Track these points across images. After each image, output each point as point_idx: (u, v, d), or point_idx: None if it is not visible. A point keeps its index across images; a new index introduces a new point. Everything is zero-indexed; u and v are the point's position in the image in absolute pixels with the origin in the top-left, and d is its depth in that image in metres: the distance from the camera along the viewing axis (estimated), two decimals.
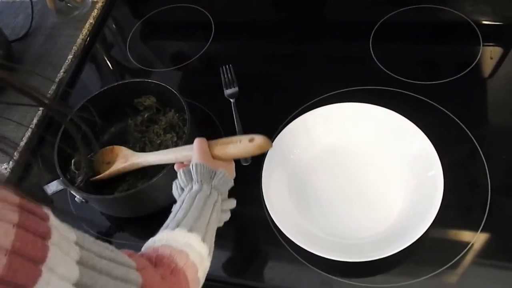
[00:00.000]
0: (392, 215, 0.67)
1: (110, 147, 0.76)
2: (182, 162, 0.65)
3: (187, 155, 0.64)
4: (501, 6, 0.89)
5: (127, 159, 0.73)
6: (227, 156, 0.62)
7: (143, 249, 0.51)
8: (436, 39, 0.88)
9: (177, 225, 0.51)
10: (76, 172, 0.73)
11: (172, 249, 0.48)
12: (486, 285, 0.61)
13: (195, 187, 0.56)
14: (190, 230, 0.51)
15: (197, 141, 0.62)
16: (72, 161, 0.74)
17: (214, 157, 0.62)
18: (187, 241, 0.50)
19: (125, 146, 0.80)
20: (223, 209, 0.58)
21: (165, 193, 0.71)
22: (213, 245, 0.54)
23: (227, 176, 0.59)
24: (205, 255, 0.52)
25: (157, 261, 0.47)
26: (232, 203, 0.61)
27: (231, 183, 0.60)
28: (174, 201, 0.59)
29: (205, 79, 0.93)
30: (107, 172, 0.73)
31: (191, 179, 0.57)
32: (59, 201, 0.77)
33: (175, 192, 0.60)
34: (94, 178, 0.73)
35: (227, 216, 0.60)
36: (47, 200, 0.67)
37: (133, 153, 0.74)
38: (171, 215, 0.54)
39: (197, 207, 0.53)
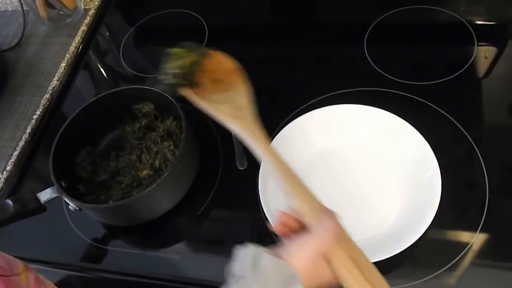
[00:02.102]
0: (390, 217, 0.66)
1: (230, 62, 0.54)
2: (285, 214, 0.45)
3: (303, 208, 0.44)
4: (495, 6, 0.89)
5: (237, 115, 0.51)
6: None
7: None
8: (431, 40, 0.88)
9: None
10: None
11: None
12: (485, 286, 0.60)
13: None
14: None
15: (328, 229, 0.41)
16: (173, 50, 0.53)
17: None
18: None
19: (122, 153, 0.79)
20: None
21: (160, 202, 0.71)
22: None
23: None
24: None
25: None
26: None
27: None
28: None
29: None
30: (206, 105, 0.52)
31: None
32: (54, 209, 0.76)
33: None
34: (187, 87, 0.52)
35: None
36: (40, 209, 0.66)
37: (251, 115, 0.52)
38: None
39: None
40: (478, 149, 0.70)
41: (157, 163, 0.75)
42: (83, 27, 1.05)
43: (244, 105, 0.52)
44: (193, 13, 1.03)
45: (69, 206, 0.69)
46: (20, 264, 0.36)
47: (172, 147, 0.76)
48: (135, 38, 1.04)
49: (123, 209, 0.67)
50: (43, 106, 0.93)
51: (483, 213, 0.64)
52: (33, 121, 0.91)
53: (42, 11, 1.02)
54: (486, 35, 0.85)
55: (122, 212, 0.68)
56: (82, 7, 1.08)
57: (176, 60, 0.52)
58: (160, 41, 1.04)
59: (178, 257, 0.70)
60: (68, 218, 0.77)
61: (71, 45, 1.02)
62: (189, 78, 0.53)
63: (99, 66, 1.04)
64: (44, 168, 0.73)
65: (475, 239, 0.63)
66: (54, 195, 0.67)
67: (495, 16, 0.89)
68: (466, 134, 0.72)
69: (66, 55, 1.00)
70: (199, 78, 0.53)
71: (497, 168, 0.68)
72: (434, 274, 0.61)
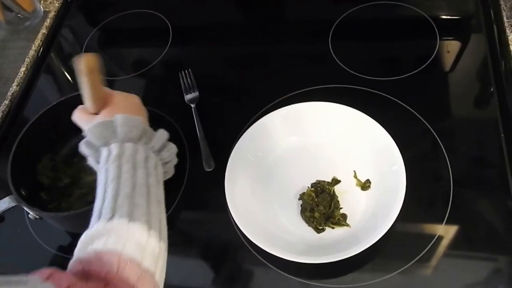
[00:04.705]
0: (357, 213, 0.66)
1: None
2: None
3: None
4: (456, 1, 0.91)
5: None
6: None
7: (77, 251, 0.44)
8: (394, 35, 0.88)
9: (113, 213, 0.44)
10: None
11: (120, 259, 0.40)
12: (454, 275, 0.61)
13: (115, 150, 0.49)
14: (131, 218, 0.43)
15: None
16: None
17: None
18: (134, 238, 0.42)
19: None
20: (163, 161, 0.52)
21: None
22: (164, 224, 0.46)
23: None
24: (155, 248, 0.43)
25: (94, 274, 0.39)
26: (172, 147, 0.53)
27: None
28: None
29: (166, 84, 0.91)
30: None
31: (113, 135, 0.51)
32: (15, 219, 0.73)
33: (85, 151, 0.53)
34: None
35: (170, 170, 0.53)
36: None
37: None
38: (100, 191, 0.47)
39: (128, 180, 0.46)
40: (441, 142, 0.71)
41: None
42: (43, 30, 1.01)
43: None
44: (156, 13, 1.01)
45: (29, 215, 0.66)
46: None
47: None
48: (98, 40, 1.02)
49: (84, 217, 0.64)
50: (2, 112, 0.90)
51: (448, 205, 0.65)
52: None
53: None
54: (449, 30, 0.86)
55: (84, 219, 0.66)
56: (42, 9, 1.05)
57: None
58: (124, 42, 1.02)
59: None
60: (30, 227, 0.74)
61: (30, 49, 0.98)
62: None
63: (62, 69, 1.01)
64: (4, 177, 0.70)
65: (442, 230, 0.64)
66: (13, 204, 0.64)
67: (457, 11, 0.90)
68: (430, 127, 0.73)
69: (26, 60, 0.97)
70: None
71: (460, 160, 0.69)
72: (405, 267, 0.62)
